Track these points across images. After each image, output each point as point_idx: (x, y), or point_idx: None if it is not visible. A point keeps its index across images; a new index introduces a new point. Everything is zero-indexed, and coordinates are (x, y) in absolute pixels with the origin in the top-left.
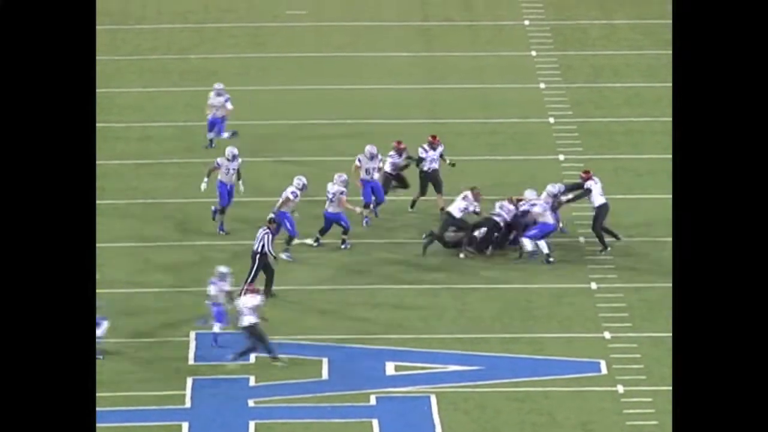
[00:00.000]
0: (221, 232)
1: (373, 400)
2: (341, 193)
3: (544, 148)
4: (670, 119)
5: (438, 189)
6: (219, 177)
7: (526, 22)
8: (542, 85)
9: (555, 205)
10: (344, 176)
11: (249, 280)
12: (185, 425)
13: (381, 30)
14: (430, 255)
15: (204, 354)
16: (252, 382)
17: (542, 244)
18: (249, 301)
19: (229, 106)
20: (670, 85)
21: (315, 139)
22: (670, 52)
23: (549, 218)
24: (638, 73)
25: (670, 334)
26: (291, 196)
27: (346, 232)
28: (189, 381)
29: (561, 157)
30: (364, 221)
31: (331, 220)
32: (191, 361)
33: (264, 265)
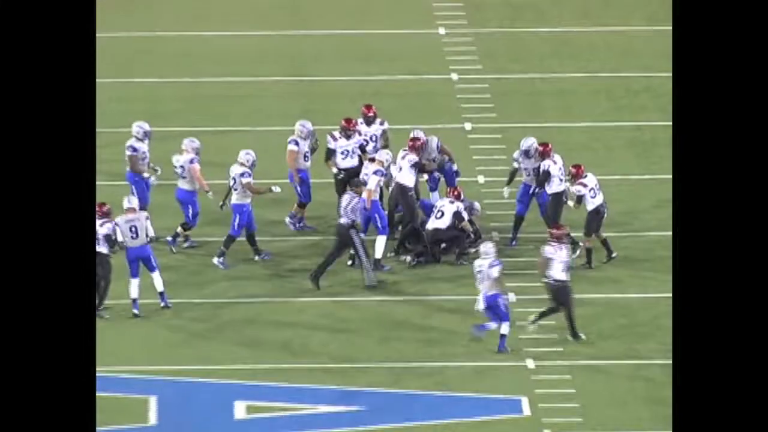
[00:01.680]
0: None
1: None
2: (191, 161)
3: (445, 115)
4: (613, 75)
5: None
6: (131, 167)
7: None
8: (442, 31)
9: (512, 172)
10: (196, 142)
11: (359, 256)
12: None
13: None
14: (293, 257)
15: None
16: None
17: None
18: (550, 251)
19: None
20: (610, 29)
21: (145, 102)
22: None
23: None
24: (570, 15)
25: (611, 362)
26: (248, 179)
27: (187, 227)
28: None
29: (467, 126)
30: (292, 224)
31: (187, 203)
32: None
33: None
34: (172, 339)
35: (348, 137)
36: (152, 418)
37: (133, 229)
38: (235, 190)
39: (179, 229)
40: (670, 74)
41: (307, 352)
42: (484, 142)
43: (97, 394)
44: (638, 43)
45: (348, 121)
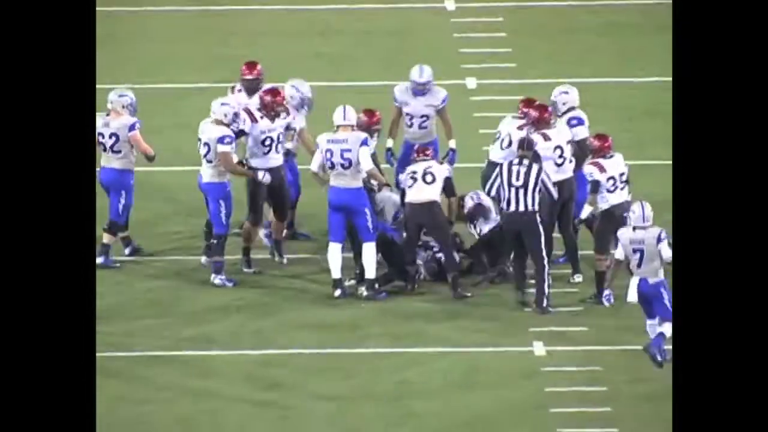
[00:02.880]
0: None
1: None
2: (132, 128)
3: (436, 64)
4: None
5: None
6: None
7: None
8: None
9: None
10: (128, 96)
11: (542, 265)
12: None
13: None
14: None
15: None
16: None
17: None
18: None
19: None
20: None
21: None
22: None
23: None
24: None
25: None
26: (228, 147)
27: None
28: None
29: (470, 82)
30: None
31: (119, 189)
32: None
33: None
34: None
35: (273, 117)
36: None
37: None
38: (209, 162)
39: (105, 237)
40: None
41: None
42: (495, 107)
43: None
44: None
45: (273, 92)
